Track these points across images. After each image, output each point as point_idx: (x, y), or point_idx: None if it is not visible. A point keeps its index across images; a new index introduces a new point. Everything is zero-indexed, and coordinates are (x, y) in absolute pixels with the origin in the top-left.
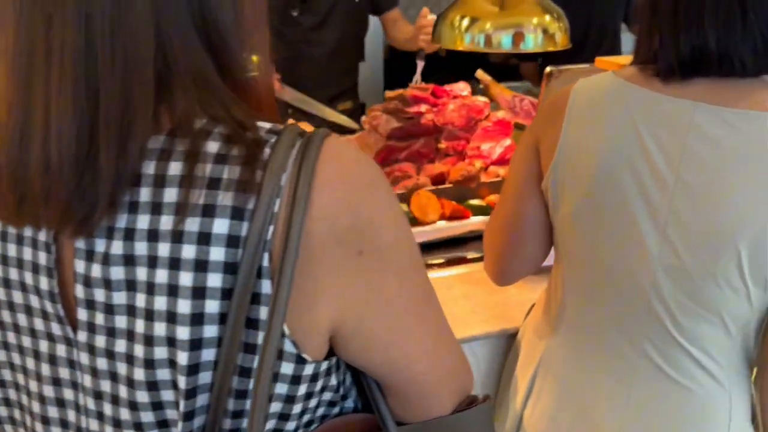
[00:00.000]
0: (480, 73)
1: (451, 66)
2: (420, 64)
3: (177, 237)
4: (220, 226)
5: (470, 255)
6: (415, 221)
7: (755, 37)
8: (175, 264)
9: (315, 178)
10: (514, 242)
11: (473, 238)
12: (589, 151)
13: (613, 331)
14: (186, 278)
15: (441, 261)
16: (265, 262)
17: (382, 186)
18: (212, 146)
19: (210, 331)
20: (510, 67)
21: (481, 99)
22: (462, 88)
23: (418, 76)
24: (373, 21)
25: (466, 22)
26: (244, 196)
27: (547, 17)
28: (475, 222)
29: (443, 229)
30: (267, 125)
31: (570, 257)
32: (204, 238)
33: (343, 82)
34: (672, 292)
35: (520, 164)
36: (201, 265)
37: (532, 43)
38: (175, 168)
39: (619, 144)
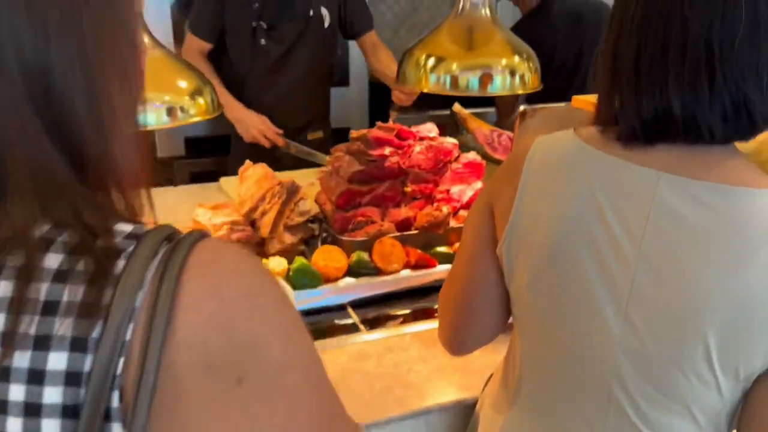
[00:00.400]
0: (457, 107)
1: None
2: (392, 115)
3: (2, 375)
4: (57, 361)
5: (436, 305)
6: (377, 270)
7: (724, 102)
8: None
9: (178, 295)
10: (469, 310)
11: (439, 288)
12: (545, 218)
13: (572, 414)
14: (14, 426)
15: (406, 312)
16: (115, 403)
17: (267, 295)
18: (52, 260)
19: None
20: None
21: (450, 140)
22: (429, 129)
23: (392, 120)
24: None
25: (432, 61)
26: (87, 323)
27: (516, 58)
28: (441, 271)
29: (407, 278)
30: (128, 227)
31: (527, 331)
32: (35, 377)
33: (312, 110)
34: (635, 379)
35: (475, 226)
36: (32, 410)
37: (500, 85)
38: (4, 289)
39: (577, 213)
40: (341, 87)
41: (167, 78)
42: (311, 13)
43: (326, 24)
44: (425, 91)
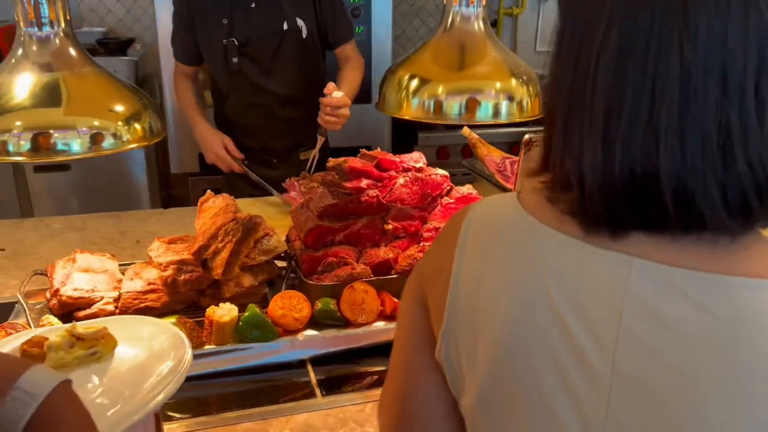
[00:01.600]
0: (466, 131)
1: None
2: (320, 140)
3: None
4: None
5: None
6: (344, 321)
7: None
8: None
9: None
10: (406, 429)
11: None
12: (487, 316)
13: None
14: None
15: (379, 370)
16: None
17: None
18: None
19: None
20: None
21: (440, 172)
22: (416, 158)
23: (315, 152)
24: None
25: (414, 83)
26: None
27: (513, 81)
28: None
29: (379, 332)
30: None
31: None
32: None
33: (303, 128)
34: None
35: (406, 322)
36: None
37: (491, 111)
38: None
39: (527, 313)
40: (364, 104)
41: (98, 100)
42: (285, 25)
43: (304, 34)
44: (406, 117)
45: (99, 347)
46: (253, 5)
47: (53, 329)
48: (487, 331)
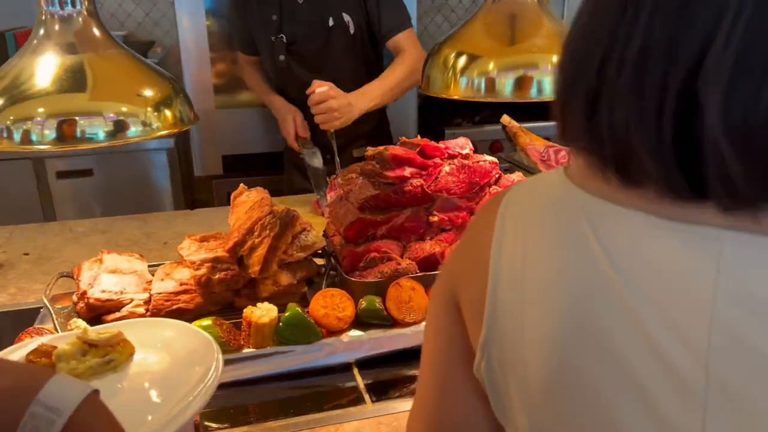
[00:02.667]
0: (506, 119)
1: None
2: (333, 144)
3: None
4: None
5: None
6: (391, 321)
7: None
8: None
9: None
10: None
11: None
12: (538, 315)
13: None
14: None
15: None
16: None
17: None
18: None
19: None
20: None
21: (488, 158)
22: (462, 144)
23: (336, 159)
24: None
25: (462, 60)
26: None
27: None
28: None
29: None
30: None
31: None
32: None
33: (356, 128)
34: None
35: (436, 335)
36: None
37: (548, 88)
38: None
39: (585, 308)
40: None
41: (125, 84)
42: (331, 22)
43: (352, 30)
44: (455, 97)
45: (115, 354)
46: (301, 1)
47: (62, 336)
48: (536, 336)
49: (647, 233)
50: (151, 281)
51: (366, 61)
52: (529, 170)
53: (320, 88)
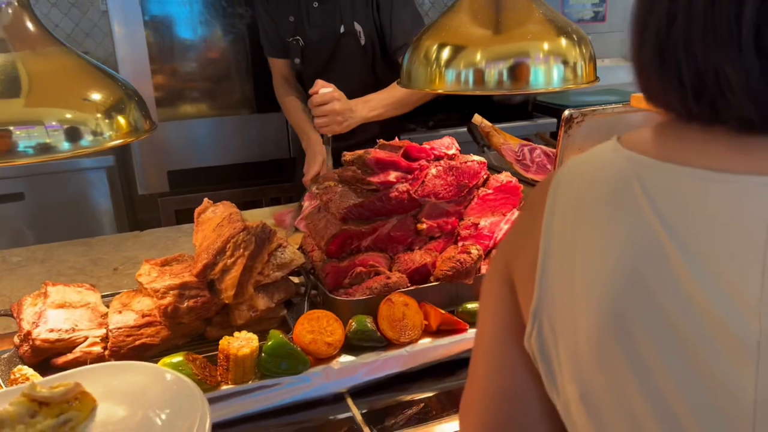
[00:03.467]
0: (478, 119)
1: (448, 107)
2: (327, 150)
3: None
4: None
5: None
6: (385, 342)
7: None
8: None
9: None
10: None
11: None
12: (588, 281)
13: None
14: None
15: (428, 396)
16: None
17: None
18: None
19: None
20: (522, 106)
21: (476, 158)
22: (447, 144)
23: (329, 163)
24: None
25: (447, 52)
26: None
27: (563, 41)
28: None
29: (427, 351)
30: None
31: None
32: None
33: (362, 132)
34: None
35: (491, 308)
36: None
37: (544, 78)
38: None
39: (637, 271)
40: None
41: (69, 87)
42: (342, 29)
43: (362, 41)
44: (440, 91)
45: (72, 412)
46: (316, 5)
47: (5, 393)
48: (586, 299)
49: (698, 189)
50: (106, 314)
51: (375, 72)
52: (501, 169)
53: (324, 89)
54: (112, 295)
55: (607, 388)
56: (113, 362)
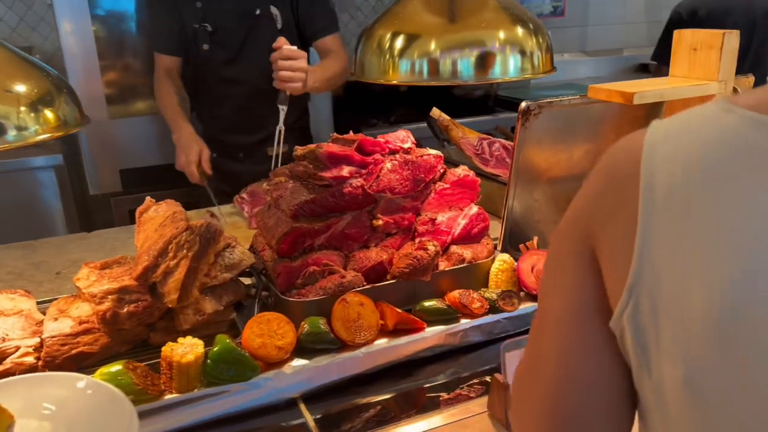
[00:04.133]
0: (436, 112)
1: (409, 102)
2: (282, 111)
3: None
4: None
5: (427, 384)
6: (339, 344)
7: None
8: None
9: None
10: (565, 427)
11: (431, 360)
12: (705, 260)
13: None
14: None
15: (385, 399)
16: None
17: None
18: None
19: None
20: (483, 100)
21: (432, 152)
22: (403, 137)
23: (280, 125)
24: None
25: (400, 41)
26: None
27: (520, 30)
28: (433, 335)
29: (384, 351)
30: None
31: None
32: None
33: (272, 124)
34: None
35: (564, 286)
36: None
37: (500, 68)
38: None
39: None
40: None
41: None
42: (258, 11)
43: (279, 24)
44: (394, 82)
45: None
46: None
47: None
48: (708, 280)
49: None
50: (42, 322)
51: None
52: (462, 162)
53: (288, 45)
54: (51, 301)
55: (722, 371)
56: (33, 374)
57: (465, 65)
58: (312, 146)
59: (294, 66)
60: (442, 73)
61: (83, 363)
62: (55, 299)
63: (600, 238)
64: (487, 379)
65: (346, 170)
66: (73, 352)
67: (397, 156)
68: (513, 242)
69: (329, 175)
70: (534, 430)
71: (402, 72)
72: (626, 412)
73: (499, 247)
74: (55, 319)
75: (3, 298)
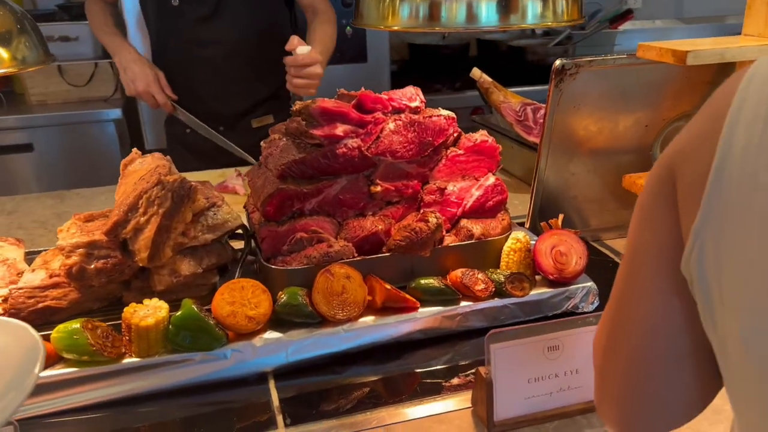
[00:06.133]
0: (476, 73)
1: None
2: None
3: None
4: None
5: (419, 369)
6: (319, 319)
7: None
8: None
9: None
10: (642, 375)
11: (425, 344)
12: None
13: None
14: None
15: (371, 380)
16: None
17: None
18: None
19: None
20: (530, 66)
21: (444, 113)
22: (410, 95)
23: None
24: None
25: None
26: None
27: None
28: (426, 317)
29: (368, 329)
30: None
31: (744, 413)
32: None
33: (256, 92)
34: None
35: (639, 226)
36: None
37: (517, 15)
38: None
39: None
40: (356, 63)
41: None
42: None
43: None
44: (395, 29)
45: None
46: None
47: None
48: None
49: None
50: (23, 273)
51: (272, 11)
52: (505, 133)
53: (303, 47)
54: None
55: None
56: None
57: (470, 10)
58: (308, 101)
59: (310, 73)
60: (444, 19)
61: (52, 318)
62: (46, 250)
63: (680, 170)
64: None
65: (340, 129)
66: (40, 305)
67: (402, 115)
68: (544, 220)
69: (321, 133)
70: (610, 369)
71: (402, 17)
72: (711, 371)
73: (527, 224)
74: (33, 271)
75: None
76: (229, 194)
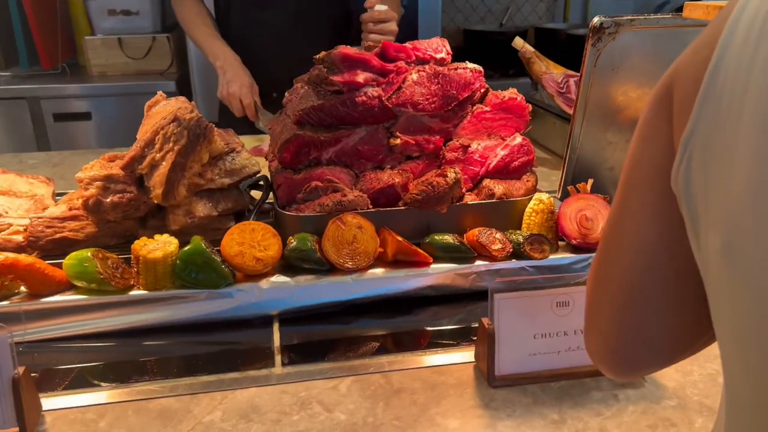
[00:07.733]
0: (519, 42)
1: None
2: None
3: None
4: None
5: (428, 327)
6: (328, 266)
7: None
8: None
9: None
10: (627, 304)
11: (437, 301)
12: (761, 101)
13: None
14: None
15: (381, 334)
16: None
17: None
18: None
19: None
20: (569, 44)
21: (471, 66)
22: (436, 46)
23: None
24: None
25: None
26: None
27: None
28: (438, 273)
29: (377, 281)
30: None
31: (725, 340)
32: None
33: (311, 57)
34: None
35: (641, 145)
36: None
37: None
38: None
39: None
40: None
41: None
42: None
43: None
44: None
45: None
46: None
47: None
48: (753, 122)
49: None
50: (48, 207)
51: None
52: (546, 108)
53: (380, 5)
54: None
55: (758, 243)
56: None
57: None
58: (333, 49)
59: (385, 29)
60: None
61: (68, 249)
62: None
63: (677, 81)
64: None
65: (361, 76)
66: (57, 236)
67: (426, 67)
68: None
69: (341, 79)
70: (600, 304)
71: None
72: (694, 287)
73: (558, 194)
74: (56, 205)
75: (22, 182)
76: (262, 157)
